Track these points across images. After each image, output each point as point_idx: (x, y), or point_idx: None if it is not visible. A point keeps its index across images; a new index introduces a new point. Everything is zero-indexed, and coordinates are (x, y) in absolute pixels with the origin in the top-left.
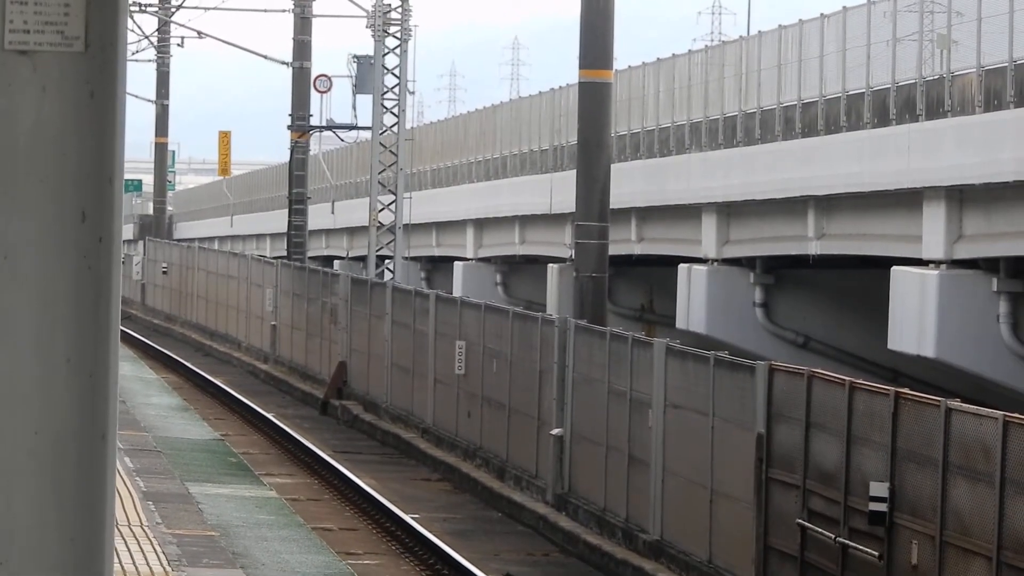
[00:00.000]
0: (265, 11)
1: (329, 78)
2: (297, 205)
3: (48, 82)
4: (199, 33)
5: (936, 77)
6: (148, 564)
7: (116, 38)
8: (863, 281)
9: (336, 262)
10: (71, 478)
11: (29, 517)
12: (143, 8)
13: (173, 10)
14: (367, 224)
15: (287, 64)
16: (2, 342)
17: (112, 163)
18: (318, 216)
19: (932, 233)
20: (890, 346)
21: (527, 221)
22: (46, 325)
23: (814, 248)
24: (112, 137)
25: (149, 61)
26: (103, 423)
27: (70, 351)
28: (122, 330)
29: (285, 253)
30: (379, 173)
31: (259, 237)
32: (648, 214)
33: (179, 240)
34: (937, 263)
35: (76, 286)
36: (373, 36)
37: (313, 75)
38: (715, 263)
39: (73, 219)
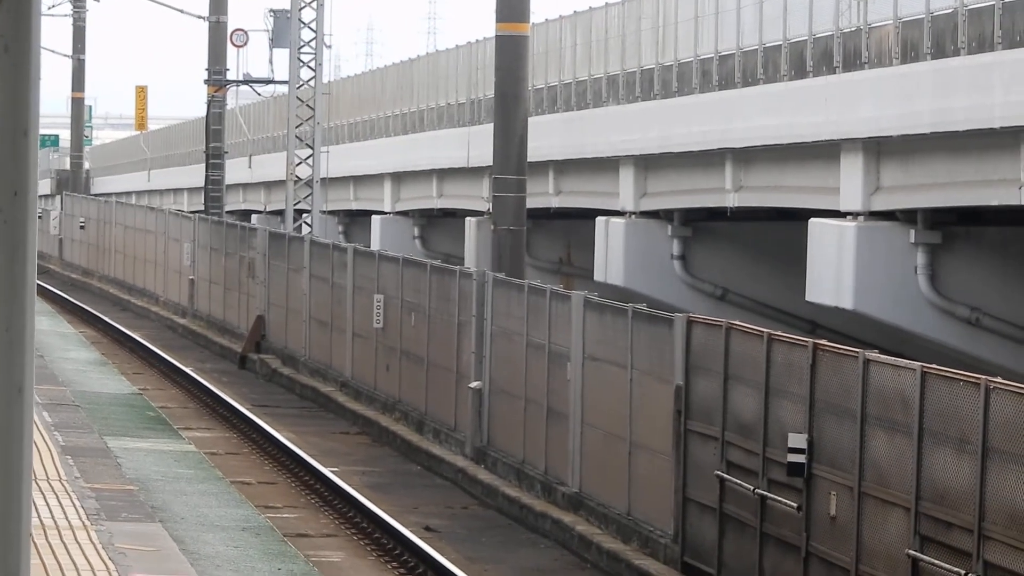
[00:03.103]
0: None
1: (246, 32)
2: (214, 159)
3: None
4: None
5: (853, 29)
6: (67, 518)
7: None
8: (781, 233)
9: (254, 216)
10: None
11: None
12: None
13: None
14: (284, 178)
15: (204, 18)
16: None
17: (26, 116)
18: (235, 170)
19: (850, 185)
20: (808, 298)
21: (445, 175)
22: None
23: (732, 200)
24: (26, 90)
25: (65, 16)
26: (20, 376)
27: None
28: (40, 285)
29: (203, 207)
30: (296, 127)
31: (176, 191)
32: (566, 167)
33: (96, 195)
34: (855, 215)
35: None
36: None
37: (230, 29)
38: (633, 216)
39: None
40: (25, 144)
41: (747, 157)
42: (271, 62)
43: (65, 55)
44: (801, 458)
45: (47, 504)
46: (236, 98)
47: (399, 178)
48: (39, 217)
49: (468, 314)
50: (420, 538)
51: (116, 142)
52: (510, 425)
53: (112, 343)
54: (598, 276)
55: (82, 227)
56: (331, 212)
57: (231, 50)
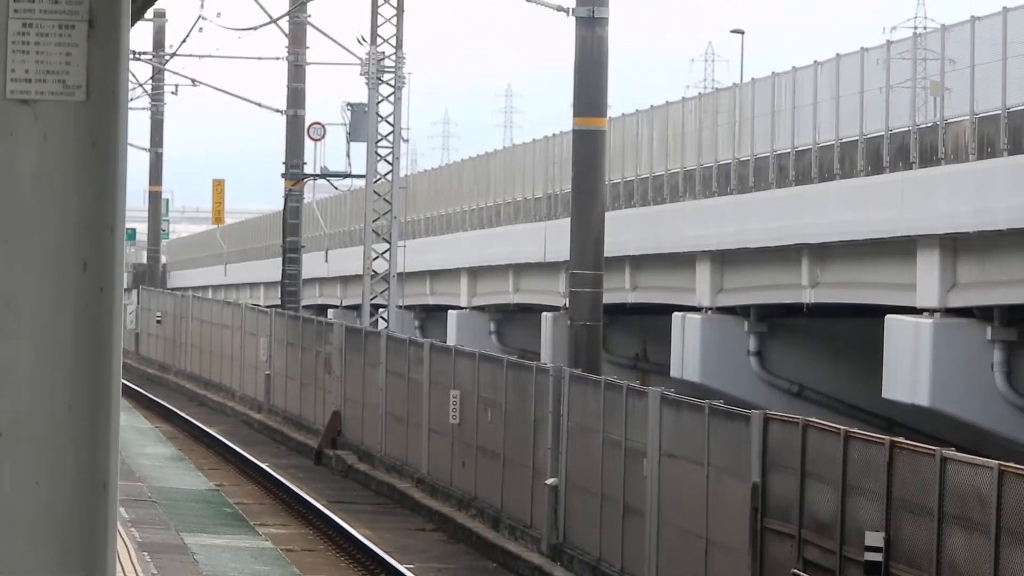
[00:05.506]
0: (259, 59)
1: (323, 126)
2: (291, 254)
3: (49, 131)
4: (193, 81)
5: (929, 124)
6: None
7: (117, 87)
8: (857, 329)
9: (330, 311)
10: (73, 527)
11: (32, 567)
12: (137, 56)
13: (167, 58)
14: (361, 272)
15: (281, 112)
16: (4, 390)
17: (113, 212)
18: (312, 264)
19: (926, 281)
20: (884, 395)
21: (521, 269)
22: (47, 374)
23: (808, 296)
24: (113, 186)
25: (143, 109)
26: (104, 472)
27: (71, 400)
28: None
29: (279, 302)
30: (373, 221)
31: (253, 286)
32: (642, 262)
33: (173, 289)
34: (931, 311)
35: (77, 335)
36: (367, 84)
37: (307, 123)
38: (709, 311)
39: (75, 268)
40: (112, 240)
41: (823, 253)
42: (348, 156)
43: (143, 148)
44: (878, 556)
45: None
46: (313, 192)
47: (475, 273)
48: None
49: (544, 410)
50: None
51: (193, 236)
52: (586, 522)
53: (188, 438)
54: (674, 372)
55: (159, 321)
56: (407, 307)
57: (308, 144)
